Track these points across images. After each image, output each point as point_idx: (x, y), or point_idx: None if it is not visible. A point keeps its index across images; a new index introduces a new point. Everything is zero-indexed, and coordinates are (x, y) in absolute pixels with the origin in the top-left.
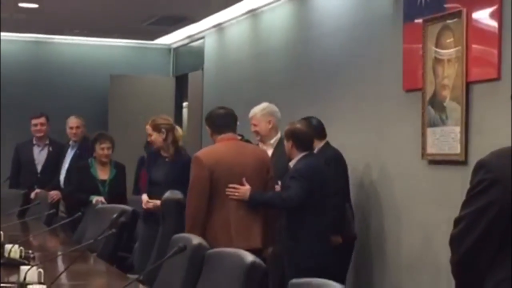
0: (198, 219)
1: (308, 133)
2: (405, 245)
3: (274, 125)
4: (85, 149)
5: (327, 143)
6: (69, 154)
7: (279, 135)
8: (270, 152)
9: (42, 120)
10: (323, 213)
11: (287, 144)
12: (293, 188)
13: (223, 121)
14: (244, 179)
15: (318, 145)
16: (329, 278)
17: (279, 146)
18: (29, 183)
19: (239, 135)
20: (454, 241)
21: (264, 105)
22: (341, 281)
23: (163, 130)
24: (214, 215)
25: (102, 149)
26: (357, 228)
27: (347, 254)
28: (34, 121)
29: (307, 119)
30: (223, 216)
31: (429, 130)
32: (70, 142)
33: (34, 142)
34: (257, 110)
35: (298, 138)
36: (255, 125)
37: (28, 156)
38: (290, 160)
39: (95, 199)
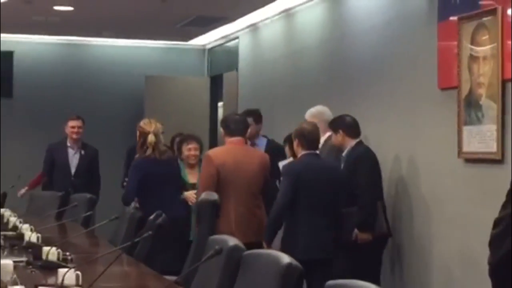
0: None
1: (314, 133)
2: (441, 244)
3: (321, 126)
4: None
5: (360, 142)
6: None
7: (325, 135)
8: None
9: (79, 123)
10: (319, 209)
11: (295, 143)
12: (280, 188)
13: (236, 126)
14: None
15: (351, 143)
16: (329, 273)
17: (324, 146)
18: (63, 185)
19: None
20: (494, 242)
21: (316, 107)
22: (373, 278)
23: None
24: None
25: (189, 149)
26: (393, 226)
27: (378, 252)
28: (71, 123)
29: (342, 117)
30: (225, 211)
31: (465, 129)
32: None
33: (68, 144)
34: (308, 112)
35: (305, 137)
36: None
37: (63, 158)
38: (295, 157)
39: (186, 194)
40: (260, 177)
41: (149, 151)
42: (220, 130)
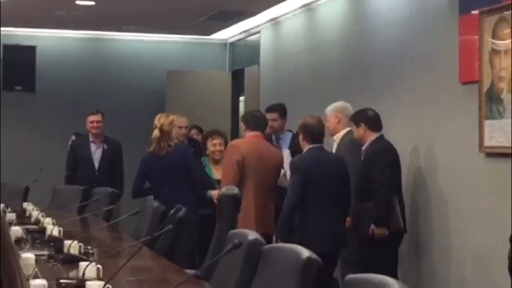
0: None
1: (318, 127)
2: (460, 238)
3: (342, 121)
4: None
5: (380, 137)
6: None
7: (345, 130)
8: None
9: (99, 117)
10: (328, 202)
11: (300, 137)
12: (290, 184)
13: (256, 122)
14: None
15: (371, 137)
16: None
17: (342, 140)
18: (87, 180)
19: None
20: None
21: (339, 102)
22: (390, 273)
23: None
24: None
25: (214, 145)
26: (413, 221)
27: (395, 246)
28: (90, 118)
29: (365, 110)
30: (247, 201)
31: (486, 123)
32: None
33: (91, 139)
34: (331, 106)
35: (308, 131)
36: (327, 121)
37: (86, 153)
38: (301, 152)
39: (212, 192)
40: (276, 172)
41: (152, 147)
42: (241, 124)
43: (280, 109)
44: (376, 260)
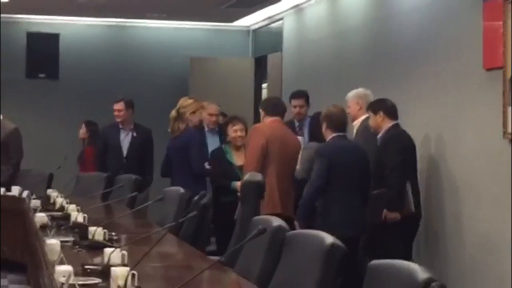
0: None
1: (341, 116)
2: (485, 224)
3: (363, 107)
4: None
5: (396, 125)
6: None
7: (364, 116)
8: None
9: (120, 105)
10: (350, 189)
11: (323, 126)
12: (315, 169)
13: (275, 108)
14: None
15: (388, 125)
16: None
17: (361, 125)
18: (116, 167)
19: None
20: None
21: (360, 89)
22: (404, 257)
23: None
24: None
25: (235, 131)
26: (438, 207)
27: (408, 231)
28: (115, 106)
29: (383, 99)
30: (270, 183)
31: (511, 109)
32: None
33: (120, 126)
34: (353, 92)
35: (332, 120)
36: (348, 106)
37: (115, 140)
38: (324, 141)
39: (237, 184)
40: (296, 157)
41: (170, 127)
42: (260, 111)
43: (306, 96)
44: (389, 245)
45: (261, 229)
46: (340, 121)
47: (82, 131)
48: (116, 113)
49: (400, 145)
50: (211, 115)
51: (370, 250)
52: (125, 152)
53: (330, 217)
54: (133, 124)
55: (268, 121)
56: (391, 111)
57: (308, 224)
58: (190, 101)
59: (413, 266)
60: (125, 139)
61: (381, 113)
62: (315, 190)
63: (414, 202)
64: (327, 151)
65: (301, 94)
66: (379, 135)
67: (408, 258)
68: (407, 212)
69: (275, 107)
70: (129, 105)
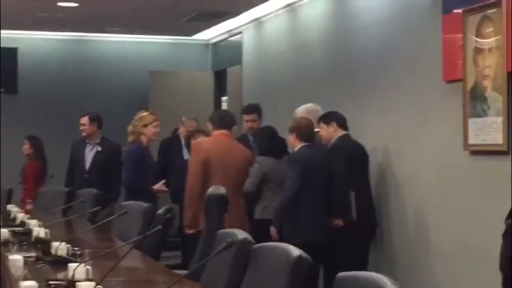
0: (195, 195)
1: (310, 127)
2: (447, 235)
3: (314, 122)
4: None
5: (346, 135)
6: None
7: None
8: None
9: (85, 120)
10: (319, 197)
11: (291, 137)
12: (290, 177)
13: (222, 121)
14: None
15: (338, 135)
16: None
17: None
18: (79, 182)
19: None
20: (509, 233)
21: (309, 104)
22: (355, 264)
23: None
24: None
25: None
26: (400, 219)
27: (355, 238)
28: (80, 120)
29: (334, 112)
30: None
31: (471, 121)
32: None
33: (87, 141)
34: (302, 108)
35: (301, 131)
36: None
37: (80, 155)
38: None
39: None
40: (244, 169)
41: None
42: (208, 124)
43: (258, 110)
44: (342, 254)
45: (229, 242)
46: (309, 132)
47: (26, 147)
48: (81, 127)
49: (342, 155)
50: (188, 130)
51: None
52: (87, 166)
53: (300, 224)
54: (99, 139)
55: (214, 133)
56: (342, 122)
57: (282, 229)
58: (143, 114)
59: (380, 277)
60: (89, 154)
61: (334, 124)
62: (292, 196)
63: (361, 211)
64: (300, 159)
65: (253, 109)
66: (329, 146)
67: (362, 265)
68: (349, 220)
69: (223, 120)
70: (94, 119)
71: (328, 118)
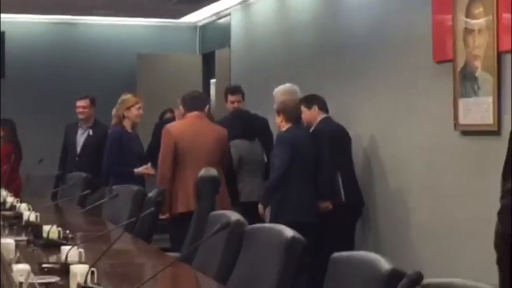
0: (166, 180)
1: (296, 108)
2: (436, 215)
3: None
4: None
5: (328, 118)
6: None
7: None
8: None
9: (85, 102)
10: (307, 177)
11: (278, 118)
12: (278, 156)
13: (195, 102)
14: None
15: (319, 118)
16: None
17: None
18: (71, 165)
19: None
20: (505, 212)
21: (287, 85)
22: (342, 245)
23: None
24: (177, 178)
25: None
26: (390, 199)
27: (343, 219)
28: (77, 103)
29: (315, 95)
30: (184, 180)
31: (461, 101)
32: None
33: (79, 124)
34: (277, 89)
35: (288, 112)
36: (275, 102)
37: (72, 138)
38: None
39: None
40: (216, 149)
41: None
42: (180, 107)
43: (242, 90)
44: (328, 233)
45: (224, 223)
46: (296, 113)
47: None
48: (80, 109)
49: (326, 137)
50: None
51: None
52: (78, 150)
53: (286, 203)
54: (92, 122)
55: (186, 116)
56: (323, 105)
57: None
58: (126, 97)
59: (375, 256)
60: (81, 137)
61: (316, 107)
62: (281, 175)
63: (348, 191)
64: (288, 139)
65: (238, 90)
66: (311, 129)
67: (348, 246)
68: (337, 201)
69: (194, 101)
70: (93, 103)
71: (309, 101)
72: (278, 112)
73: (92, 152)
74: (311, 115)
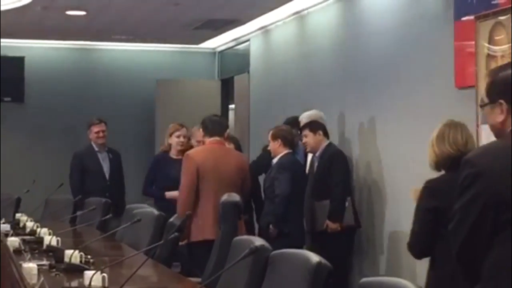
0: (188, 206)
1: (292, 134)
2: None
3: None
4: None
5: (330, 143)
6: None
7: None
8: None
9: (103, 126)
10: (302, 199)
11: (275, 143)
12: (282, 181)
13: (214, 127)
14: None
15: (323, 144)
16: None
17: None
18: (101, 191)
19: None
20: (451, 234)
21: (312, 111)
22: (340, 265)
23: None
24: (199, 204)
25: None
26: (403, 222)
27: (347, 240)
28: (95, 128)
29: (317, 121)
30: (204, 208)
31: (483, 128)
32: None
33: (96, 149)
34: (304, 115)
35: (285, 137)
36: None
37: (96, 164)
38: (274, 157)
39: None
40: (237, 177)
41: None
42: (200, 131)
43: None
44: (327, 252)
45: (253, 248)
46: (292, 139)
47: None
48: (100, 134)
49: (344, 164)
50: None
51: None
52: (107, 174)
53: (288, 227)
54: (106, 147)
55: (206, 142)
56: (326, 130)
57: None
58: (172, 125)
59: (404, 282)
60: (104, 162)
61: (320, 132)
62: (288, 198)
63: (356, 214)
64: (289, 165)
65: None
66: (318, 153)
67: (344, 266)
68: (347, 223)
69: (215, 126)
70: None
71: (314, 126)
72: (276, 137)
73: (120, 176)
74: (316, 140)
